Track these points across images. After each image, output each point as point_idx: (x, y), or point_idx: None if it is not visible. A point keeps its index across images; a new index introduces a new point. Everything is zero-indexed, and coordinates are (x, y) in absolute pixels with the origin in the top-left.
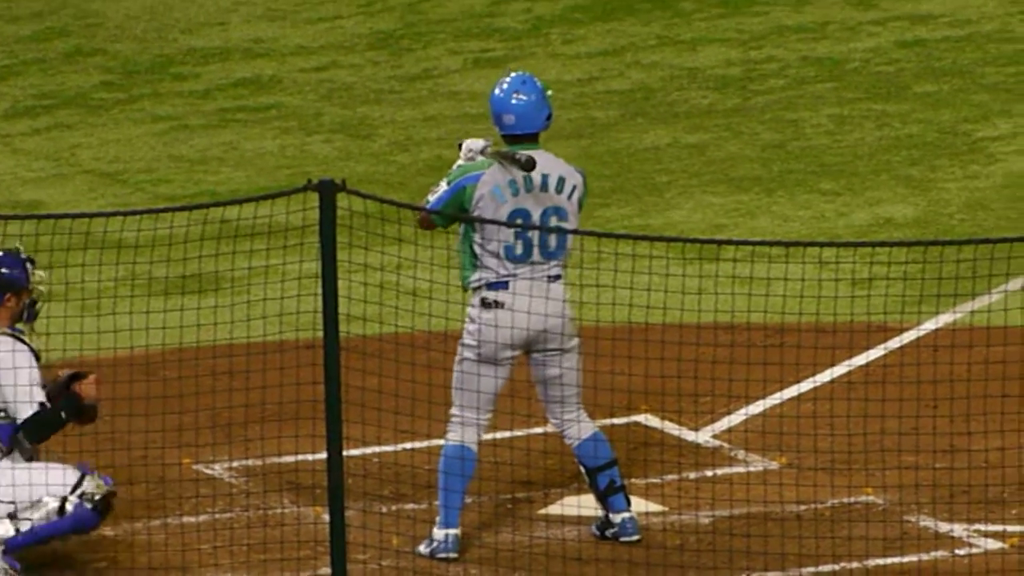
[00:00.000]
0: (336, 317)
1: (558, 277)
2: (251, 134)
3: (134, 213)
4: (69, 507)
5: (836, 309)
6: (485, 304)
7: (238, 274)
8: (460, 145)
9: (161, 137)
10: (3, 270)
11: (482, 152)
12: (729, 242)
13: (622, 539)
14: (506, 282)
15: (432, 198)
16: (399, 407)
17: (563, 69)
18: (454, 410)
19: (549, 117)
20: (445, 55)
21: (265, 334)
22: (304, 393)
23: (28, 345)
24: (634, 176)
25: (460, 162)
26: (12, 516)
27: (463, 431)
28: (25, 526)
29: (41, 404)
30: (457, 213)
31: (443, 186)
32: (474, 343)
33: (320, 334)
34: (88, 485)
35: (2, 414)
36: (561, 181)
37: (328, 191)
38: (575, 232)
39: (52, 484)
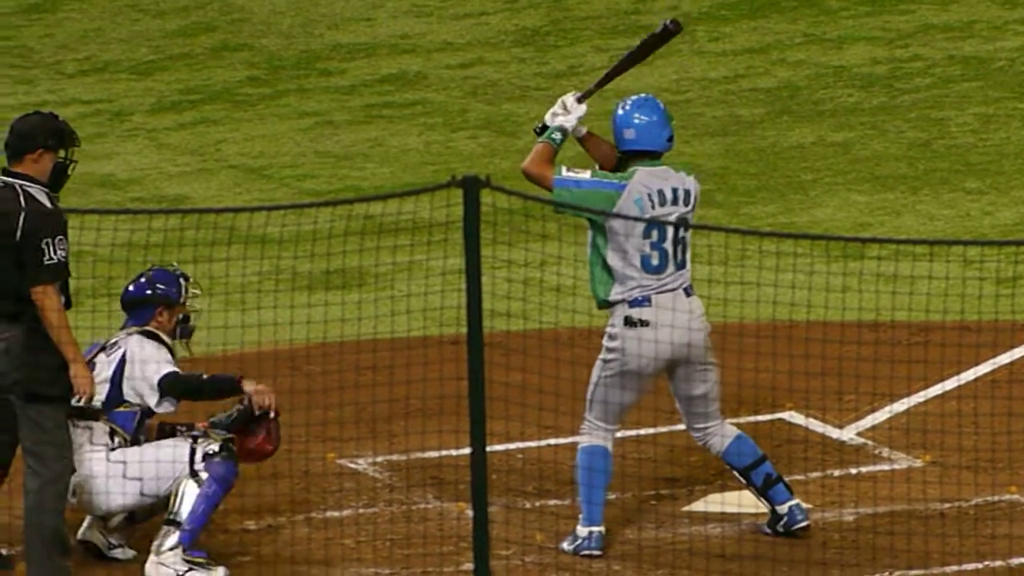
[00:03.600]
0: (480, 313)
1: (691, 289)
2: (396, 130)
3: (279, 208)
4: (203, 475)
5: (981, 308)
6: (630, 323)
7: (382, 269)
8: (538, 130)
9: (306, 133)
10: (157, 285)
11: (579, 100)
12: (874, 240)
13: (794, 528)
14: (648, 297)
15: (567, 174)
16: (543, 403)
17: (708, 66)
18: (588, 417)
19: (671, 139)
20: (591, 52)
21: (409, 329)
22: (448, 388)
23: (164, 343)
24: (779, 174)
25: (556, 114)
26: (171, 522)
27: (596, 436)
28: (185, 522)
29: (172, 372)
30: (576, 206)
31: (585, 175)
32: (617, 360)
33: (464, 330)
34: (204, 446)
35: (127, 403)
36: (687, 194)
37: (472, 187)
38: (722, 229)
39: (173, 463)
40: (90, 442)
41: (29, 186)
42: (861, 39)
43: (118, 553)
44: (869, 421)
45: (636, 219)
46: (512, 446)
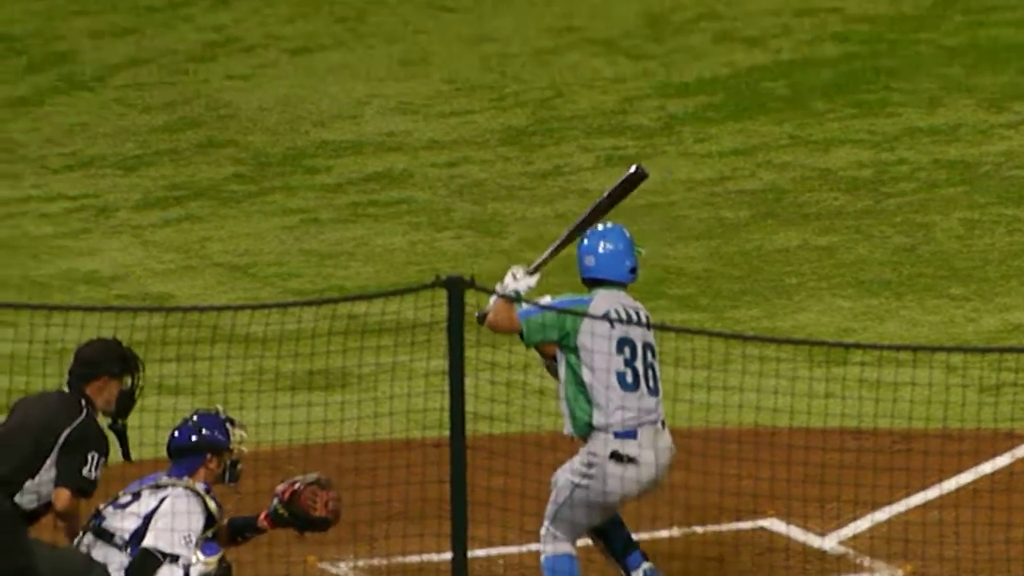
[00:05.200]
0: (463, 415)
1: (664, 422)
2: (381, 229)
3: (263, 307)
4: None
5: (964, 415)
6: (616, 457)
7: (366, 370)
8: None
9: (292, 231)
10: (203, 431)
11: (530, 272)
12: (857, 346)
13: None
14: (634, 432)
15: (527, 306)
16: (525, 507)
17: (694, 168)
18: (551, 528)
19: (634, 271)
20: (577, 152)
21: (392, 431)
22: (430, 492)
23: (208, 511)
24: (763, 277)
25: (506, 285)
26: None
27: (561, 544)
28: None
29: (166, 555)
30: (547, 333)
31: (546, 299)
32: (595, 490)
33: (447, 432)
34: (197, 571)
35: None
36: (647, 318)
37: (457, 288)
38: (706, 333)
39: None
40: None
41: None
42: (847, 142)
43: None
44: (851, 529)
45: (593, 316)
46: (494, 551)
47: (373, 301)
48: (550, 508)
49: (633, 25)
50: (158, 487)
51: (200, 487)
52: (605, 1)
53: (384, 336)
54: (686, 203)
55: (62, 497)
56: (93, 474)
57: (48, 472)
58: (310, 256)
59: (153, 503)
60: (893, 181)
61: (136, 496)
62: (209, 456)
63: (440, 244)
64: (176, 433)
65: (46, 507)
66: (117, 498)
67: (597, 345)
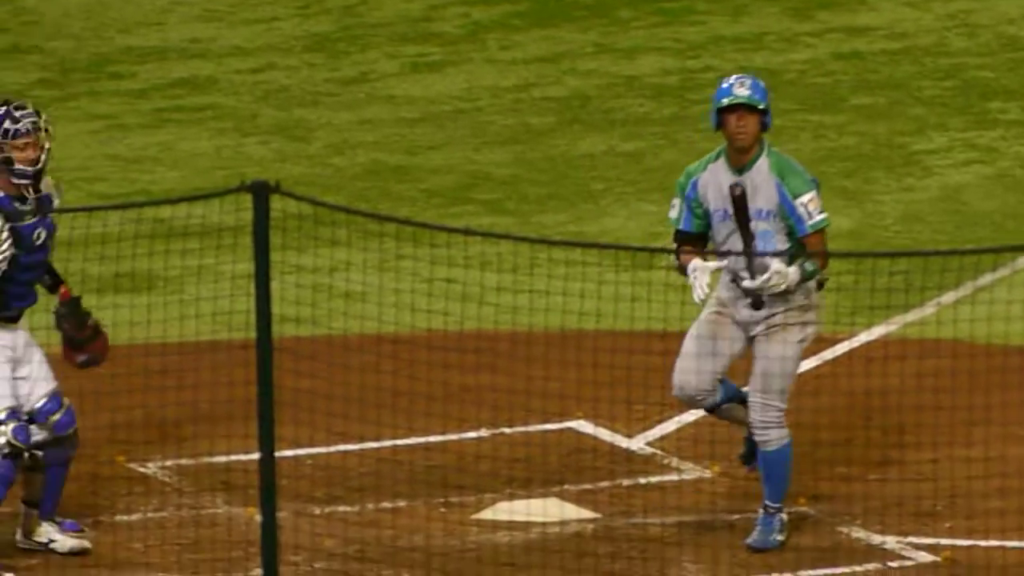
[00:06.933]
0: (269, 317)
1: None
2: (187, 134)
3: (68, 211)
4: None
5: None
6: (821, 286)
7: (172, 273)
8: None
9: (97, 135)
10: None
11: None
12: (664, 250)
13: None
14: None
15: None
16: (332, 409)
17: (500, 75)
18: (778, 404)
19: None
20: (382, 59)
21: (198, 333)
22: (237, 393)
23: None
24: (569, 183)
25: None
26: None
27: (783, 430)
28: None
29: None
30: None
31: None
32: (813, 328)
33: (254, 334)
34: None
35: None
36: None
37: (262, 192)
38: (511, 238)
39: None
40: None
41: None
42: (652, 49)
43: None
44: (658, 431)
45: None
46: (302, 452)
47: (179, 205)
48: (780, 383)
49: None
50: None
51: None
52: None
53: (190, 240)
54: (492, 109)
55: None
56: None
57: None
58: (115, 161)
59: None
60: (699, 88)
61: None
62: None
63: (246, 149)
64: None
65: None
66: None
67: None
